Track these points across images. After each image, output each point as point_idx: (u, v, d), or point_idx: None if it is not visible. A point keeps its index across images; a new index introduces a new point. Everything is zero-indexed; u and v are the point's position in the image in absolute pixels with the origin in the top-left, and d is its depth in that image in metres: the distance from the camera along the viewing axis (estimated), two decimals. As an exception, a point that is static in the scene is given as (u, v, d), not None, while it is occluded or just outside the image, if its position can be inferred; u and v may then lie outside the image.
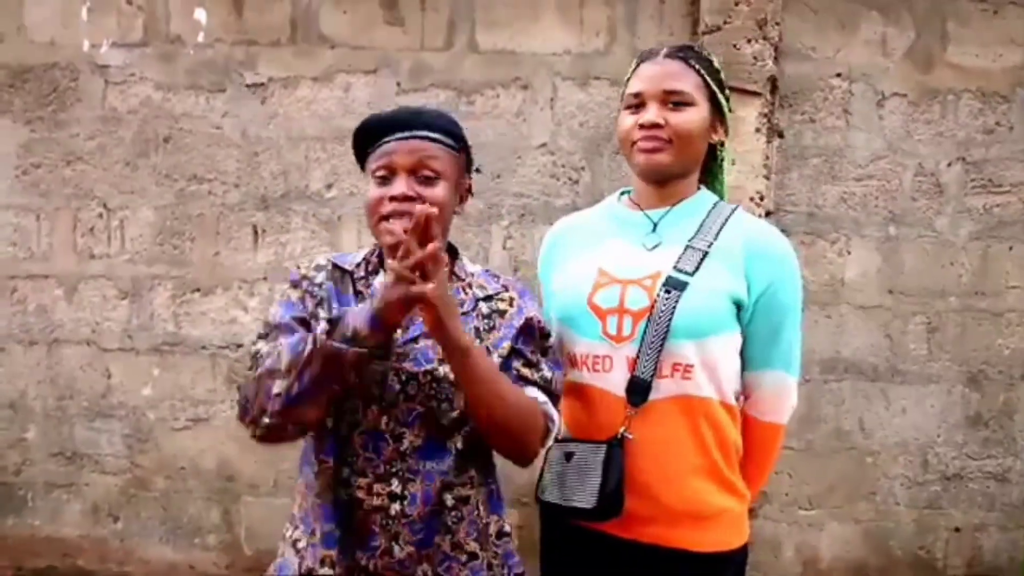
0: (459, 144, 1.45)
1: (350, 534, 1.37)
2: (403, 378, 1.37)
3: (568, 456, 1.54)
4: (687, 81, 1.51)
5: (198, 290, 3.04)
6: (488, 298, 1.46)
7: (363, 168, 1.47)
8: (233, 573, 3.11)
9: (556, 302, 1.59)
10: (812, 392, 2.96)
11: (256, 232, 3.02)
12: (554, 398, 1.45)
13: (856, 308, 2.94)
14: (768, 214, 2.81)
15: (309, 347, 1.28)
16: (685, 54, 1.54)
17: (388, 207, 1.36)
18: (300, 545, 1.43)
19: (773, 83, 2.78)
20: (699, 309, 1.47)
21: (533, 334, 1.45)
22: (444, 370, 1.36)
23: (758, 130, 2.76)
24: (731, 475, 1.54)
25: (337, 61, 2.96)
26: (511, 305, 1.46)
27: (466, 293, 1.46)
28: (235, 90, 2.99)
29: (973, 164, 2.90)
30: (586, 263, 1.57)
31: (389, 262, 1.28)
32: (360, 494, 1.37)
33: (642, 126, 1.50)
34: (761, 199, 2.79)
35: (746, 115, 2.75)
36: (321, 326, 1.30)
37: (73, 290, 3.08)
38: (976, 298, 2.93)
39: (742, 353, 1.55)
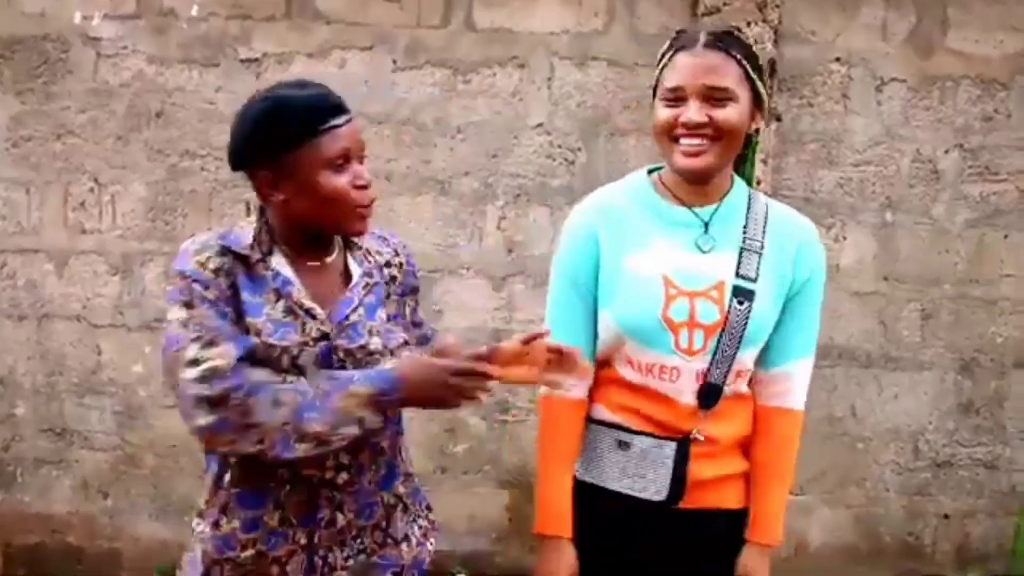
0: None
1: (290, 512, 1.39)
2: (341, 355, 1.38)
3: (622, 444, 1.55)
4: (729, 75, 1.44)
5: (190, 267, 3.02)
6: (387, 264, 1.53)
7: (267, 153, 1.36)
8: (223, 551, 3.10)
9: (617, 309, 1.52)
10: (805, 377, 2.96)
11: (249, 209, 2.95)
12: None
13: (851, 294, 2.93)
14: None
15: (354, 431, 1.30)
16: (725, 43, 1.46)
17: (360, 196, 1.37)
18: (213, 533, 1.46)
19: (772, 66, 2.76)
20: (765, 317, 1.50)
21: (416, 293, 1.60)
22: (375, 343, 1.41)
23: (756, 113, 2.75)
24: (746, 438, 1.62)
25: (333, 37, 2.92)
26: (401, 268, 1.55)
27: (369, 261, 1.50)
28: (229, 65, 2.95)
29: (971, 151, 2.89)
30: (648, 268, 1.50)
31: (451, 367, 1.33)
32: (308, 470, 1.37)
33: (684, 124, 1.44)
34: (758, 183, 2.75)
35: (744, 98, 2.74)
36: (374, 419, 1.32)
37: (63, 265, 3.05)
38: (970, 286, 2.93)
39: (771, 344, 1.56)
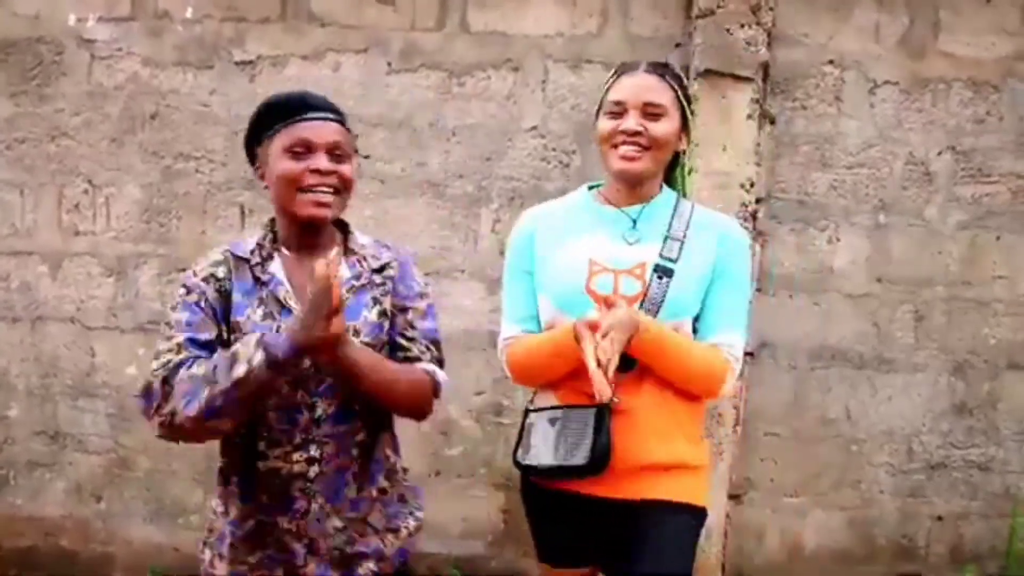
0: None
1: (271, 501, 1.51)
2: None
3: (553, 421, 1.73)
4: (664, 95, 1.71)
5: (184, 269, 2.99)
6: (381, 269, 1.59)
7: (256, 144, 1.55)
8: (217, 554, 3.09)
9: (550, 289, 1.75)
10: (798, 379, 2.96)
11: (243, 211, 2.99)
12: (439, 359, 1.64)
13: (844, 296, 2.94)
14: (758, 201, 2.81)
15: (243, 369, 1.36)
16: (662, 71, 1.75)
17: (310, 179, 1.47)
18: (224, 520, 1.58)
19: (765, 69, 2.77)
20: (685, 291, 1.70)
21: (418, 300, 1.62)
22: (355, 342, 1.49)
23: (749, 116, 2.76)
24: (694, 430, 1.78)
25: (327, 40, 2.93)
26: (394, 275, 1.60)
27: (361, 266, 1.58)
28: (223, 67, 2.95)
29: (963, 153, 2.90)
30: (575, 254, 1.73)
31: (307, 305, 1.36)
32: (277, 463, 1.49)
33: (623, 132, 1.69)
34: (751, 185, 2.78)
35: (738, 101, 2.75)
36: (259, 356, 1.36)
37: (57, 267, 3.05)
38: (963, 287, 2.94)
39: (699, 321, 1.76)
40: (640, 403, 1.68)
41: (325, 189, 1.47)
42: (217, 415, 1.39)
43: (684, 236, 1.73)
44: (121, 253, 3.03)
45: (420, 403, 1.59)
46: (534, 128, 2.93)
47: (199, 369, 1.40)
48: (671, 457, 1.71)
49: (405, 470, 1.69)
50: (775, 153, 2.89)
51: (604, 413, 1.65)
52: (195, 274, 1.53)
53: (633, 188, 1.76)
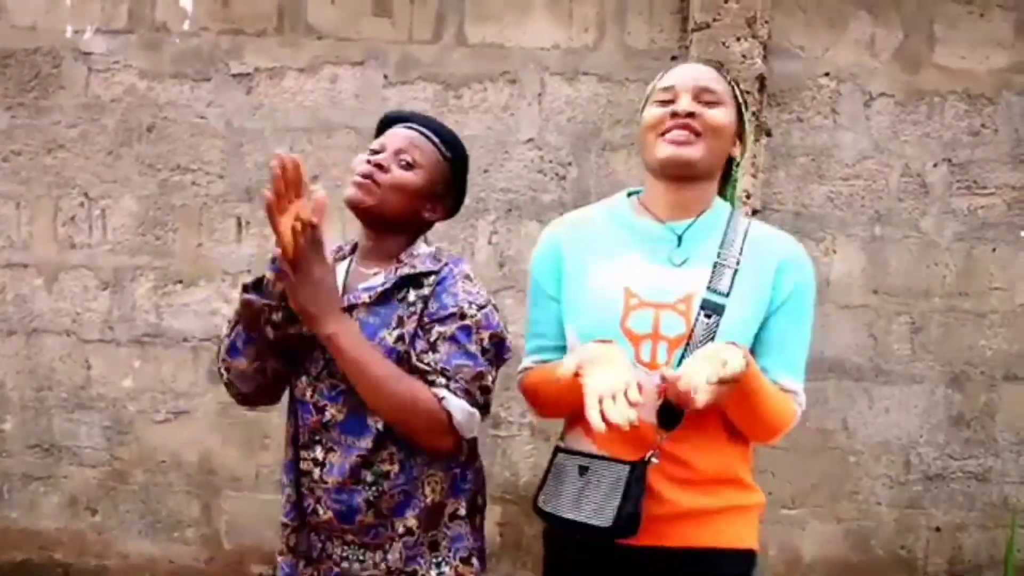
0: (449, 153, 1.57)
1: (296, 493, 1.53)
2: (327, 356, 1.44)
3: (583, 470, 1.45)
4: (720, 84, 1.47)
5: (180, 282, 3.01)
6: (416, 283, 1.47)
7: None
8: (213, 568, 3.08)
9: (579, 320, 1.49)
10: (796, 391, 2.96)
11: (240, 224, 2.99)
12: (461, 387, 1.41)
13: (841, 308, 2.94)
14: (755, 212, 2.81)
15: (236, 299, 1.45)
16: (716, 66, 1.56)
17: (364, 167, 1.49)
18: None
19: (761, 81, 2.78)
20: (737, 332, 1.40)
21: (449, 321, 1.44)
22: None
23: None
24: (742, 474, 1.50)
25: (324, 52, 2.93)
26: (433, 288, 1.47)
27: (395, 274, 1.48)
28: (220, 80, 2.96)
29: (958, 165, 2.91)
30: (609, 280, 1.46)
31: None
32: (300, 453, 1.51)
33: (675, 114, 1.43)
34: (748, 197, 2.78)
35: (734, 113, 2.75)
36: (244, 281, 1.46)
37: (53, 279, 3.04)
38: (959, 299, 2.94)
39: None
40: (686, 447, 1.42)
41: (367, 180, 1.47)
42: (230, 352, 1.48)
43: (738, 262, 1.44)
44: (117, 265, 3.02)
45: (420, 433, 1.42)
46: (531, 140, 2.93)
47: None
48: (727, 501, 1.47)
49: (460, 516, 1.52)
50: (771, 165, 2.90)
51: (640, 475, 1.38)
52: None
53: (680, 189, 1.47)
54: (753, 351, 1.43)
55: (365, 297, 1.46)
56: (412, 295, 1.46)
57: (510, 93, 2.92)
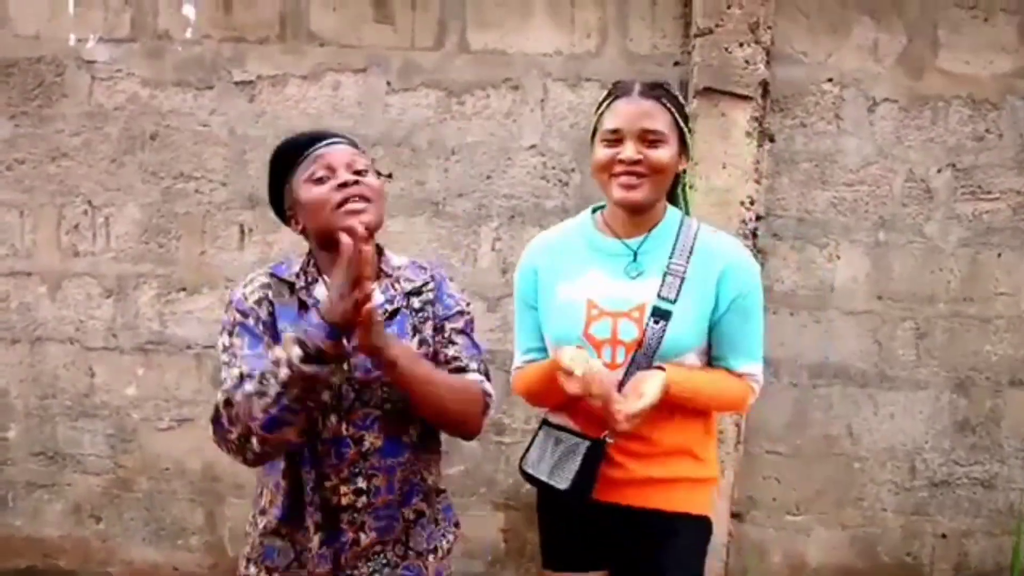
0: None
1: (326, 528, 1.49)
2: (356, 387, 1.49)
3: (557, 441, 1.77)
4: (661, 120, 1.66)
5: (184, 289, 3.02)
6: (417, 292, 1.59)
7: (279, 193, 1.58)
8: (216, 574, 3.08)
9: (550, 329, 1.77)
10: (800, 397, 2.96)
11: (243, 231, 2.99)
12: (486, 372, 1.63)
13: (845, 313, 2.93)
14: (758, 218, 2.80)
15: (285, 372, 1.32)
16: (658, 93, 1.69)
17: (339, 195, 1.46)
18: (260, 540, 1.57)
19: (764, 87, 2.77)
20: (682, 335, 1.67)
21: (456, 318, 1.61)
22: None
23: (749, 134, 2.76)
24: (698, 449, 1.78)
25: (326, 59, 2.93)
26: (435, 292, 1.61)
27: (395, 288, 1.58)
28: (223, 87, 2.96)
29: (963, 171, 2.90)
30: (574, 293, 1.73)
31: (334, 280, 1.34)
32: (327, 495, 1.49)
33: (621, 161, 1.65)
34: (751, 203, 2.78)
35: (737, 119, 2.75)
36: (295, 352, 1.33)
37: (57, 288, 3.05)
38: (964, 304, 2.93)
39: (711, 349, 1.77)
40: (649, 424, 1.66)
41: (356, 200, 1.46)
42: (278, 426, 1.36)
43: (685, 271, 1.69)
44: (121, 273, 3.03)
45: (471, 419, 1.58)
46: (533, 146, 2.93)
47: (250, 386, 1.37)
48: (680, 474, 1.75)
49: (443, 491, 1.70)
50: (775, 171, 2.89)
51: (596, 450, 1.69)
52: (246, 297, 1.52)
53: (635, 214, 1.73)
54: (711, 344, 1.74)
55: (380, 316, 1.47)
56: (416, 302, 1.58)
57: (513, 99, 2.92)
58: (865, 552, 3.01)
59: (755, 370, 1.78)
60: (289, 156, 1.54)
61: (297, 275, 1.55)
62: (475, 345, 1.65)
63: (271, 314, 1.50)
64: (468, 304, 1.68)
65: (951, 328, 2.94)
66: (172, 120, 2.98)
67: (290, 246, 2.96)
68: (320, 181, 1.48)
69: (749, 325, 1.74)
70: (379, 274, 1.58)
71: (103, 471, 3.09)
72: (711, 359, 1.78)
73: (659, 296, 1.67)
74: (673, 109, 1.70)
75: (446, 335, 1.59)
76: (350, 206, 1.46)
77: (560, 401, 1.75)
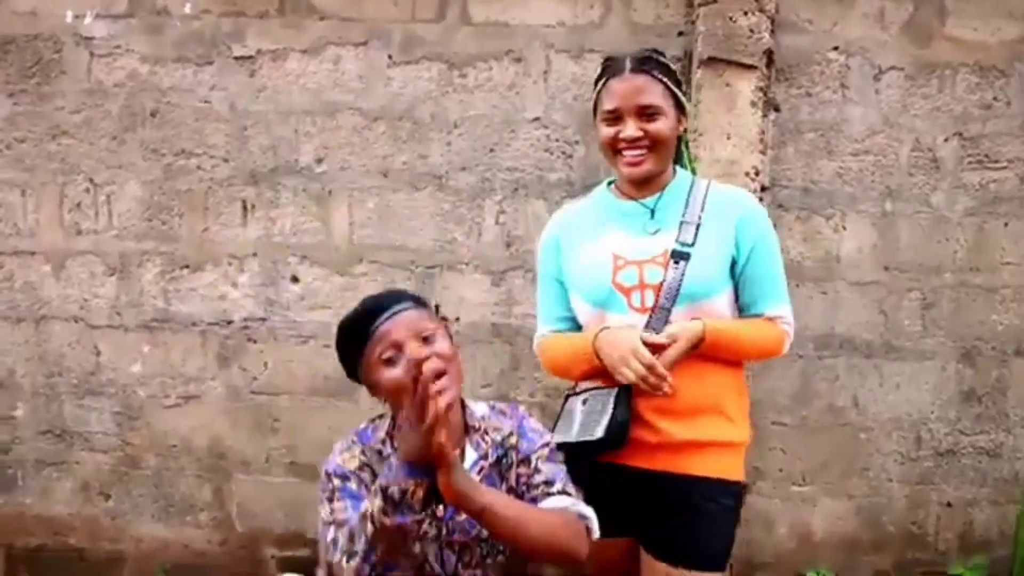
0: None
1: None
2: (456, 549, 1.49)
3: (584, 402, 1.81)
4: (655, 93, 1.76)
5: (187, 266, 3.01)
6: (503, 441, 1.59)
7: (355, 371, 1.55)
8: (226, 550, 3.10)
9: (580, 288, 1.84)
10: (806, 368, 2.95)
11: (246, 207, 2.98)
12: (577, 494, 1.58)
13: (851, 284, 2.92)
14: (763, 189, 2.78)
15: (371, 528, 1.30)
16: (648, 66, 1.77)
17: (411, 375, 1.34)
18: None
19: (769, 56, 2.74)
20: (703, 274, 1.74)
21: (541, 449, 1.60)
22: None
23: (754, 104, 2.73)
24: (727, 406, 1.81)
25: (327, 33, 2.90)
26: (517, 439, 1.60)
27: (485, 441, 1.57)
28: (223, 63, 2.93)
29: (970, 139, 2.87)
30: (599, 251, 1.81)
31: (406, 418, 1.31)
32: None
33: (624, 139, 1.75)
34: (756, 174, 2.76)
35: (742, 88, 2.72)
36: (377, 503, 1.30)
37: (60, 266, 3.04)
38: (971, 274, 2.92)
39: (739, 299, 1.84)
40: (680, 383, 1.71)
41: (445, 384, 1.43)
42: None
43: (700, 219, 1.77)
44: (124, 251, 3.02)
45: (575, 551, 1.49)
46: (537, 119, 2.90)
47: (344, 543, 1.36)
48: (711, 436, 1.78)
49: None
50: (780, 141, 2.87)
51: (625, 391, 1.73)
52: (344, 463, 1.51)
53: (646, 183, 1.82)
54: (739, 295, 1.82)
55: (476, 475, 1.48)
56: (501, 450, 1.59)
57: (515, 71, 2.89)
58: (871, 522, 3.02)
59: (785, 312, 1.85)
60: (354, 336, 1.50)
61: (383, 440, 1.54)
62: (560, 468, 1.62)
63: (374, 477, 1.47)
64: (551, 433, 1.70)
65: (957, 298, 2.93)
66: (172, 96, 2.95)
67: (292, 222, 2.95)
68: (390, 362, 1.45)
69: (772, 268, 1.82)
70: (466, 428, 1.57)
71: (111, 448, 3.10)
72: (741, 311, 1.85)
73: (677, 241, 1.76)
74: (665, 78, 1.78)
75: (532, 465, 1.57)
76: (440, 384, 1.41)
77: (586, 373, 1.82)
